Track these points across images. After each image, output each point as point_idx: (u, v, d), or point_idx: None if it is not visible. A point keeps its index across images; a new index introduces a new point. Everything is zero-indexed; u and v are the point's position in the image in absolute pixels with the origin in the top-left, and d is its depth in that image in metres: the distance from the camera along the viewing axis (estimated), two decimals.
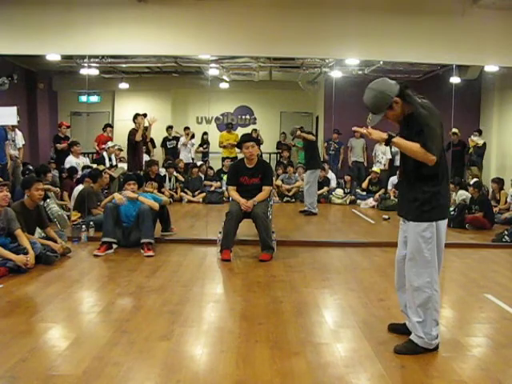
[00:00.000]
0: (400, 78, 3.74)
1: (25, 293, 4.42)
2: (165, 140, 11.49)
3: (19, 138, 8.36)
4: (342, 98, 7.91)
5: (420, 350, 3.20)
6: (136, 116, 8.47)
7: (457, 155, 9.69)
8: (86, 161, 9.47)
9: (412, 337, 3.25)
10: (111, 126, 10.48)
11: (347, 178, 10.88)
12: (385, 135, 3.12)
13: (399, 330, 3.51)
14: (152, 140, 10.74)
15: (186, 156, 11.51)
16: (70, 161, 9.01)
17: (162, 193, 9.34)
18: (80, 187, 7.54)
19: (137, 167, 8.37)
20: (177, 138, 11.58)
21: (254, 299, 4.30)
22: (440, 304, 3.37)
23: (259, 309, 4.05)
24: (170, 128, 11.49)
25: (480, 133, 9.86)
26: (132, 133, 8.40)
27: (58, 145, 9.55)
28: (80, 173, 8.68)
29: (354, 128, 3.37)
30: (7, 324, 3.59)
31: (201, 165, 11.38)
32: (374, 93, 3.15)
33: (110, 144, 9.99)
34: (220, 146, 11.55)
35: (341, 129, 10.48)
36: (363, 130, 3.22)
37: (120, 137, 10.64)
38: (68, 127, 9.91)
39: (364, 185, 10.76)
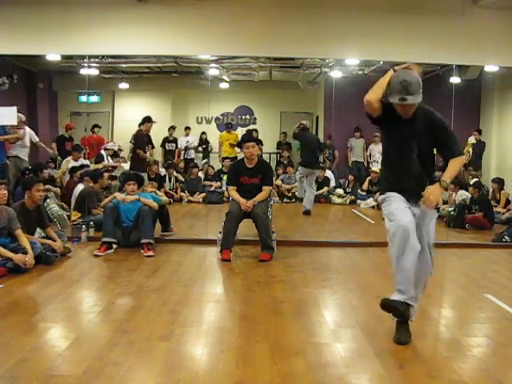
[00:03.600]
0: None
1: (25, 293, 4.42)
2: (164, 141, 11.47)
3: (27, 138, 8.39)
4: (341, 98, 7.90)
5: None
6: (149, 120, 8.45)
7: None
8: (85, 162, 9.48)
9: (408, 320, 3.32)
10: (99, 126, 10.37)
11: (351, 177, 10.87)
12: (441, 189, 3.15)
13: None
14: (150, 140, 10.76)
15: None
16: (71, 163, 9.02)
17: (160, 190, 9.33)
18: (80, 187, 7.54)
19: (144, 168, 8.35)
20: (176, 141, 11.57)
21: (254, 299, 4.30)
22: None
23: (259, 309, 4.05)
24: (171, 128, 11.48)
25: (480, 132, 9.85)
26: (139, 134, 8.41)
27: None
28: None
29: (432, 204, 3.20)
30: (7, 324, 3.59)
31: (204, 163, 11.40)
32: (417, 76, 3.17)
33: (110, 145, 10.00)
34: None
35: (341, 128, 10.47)
36: (433, 203, 3.15)
37: (120, 137, 10.66)
38: (73, 129, 9.94)
39: (364, 186, 10.75)
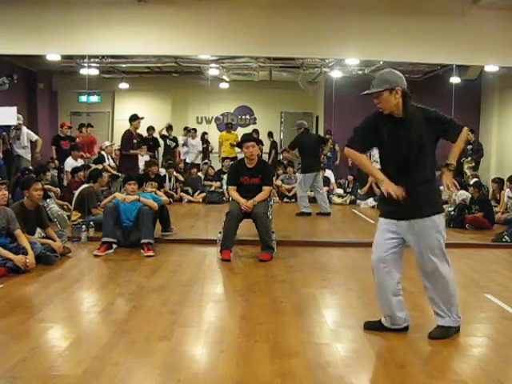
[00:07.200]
0: None
1: (25, 293, 4.42)
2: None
3: (25, 136, 8.41)
4: (341, 98, 7.92)
5: (452, 332, 3.45)
6: (135, 118, 8.38)
7: None
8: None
9: (444, 323, 3.42)
10: (91, 126, 10.25)
11: (350, 177, 10.86)
12: (450, 173, 3.43)
13: (375, 327, 3.58)
14: (156, 139, 10.77)
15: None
16: (71, 164, 9.04)
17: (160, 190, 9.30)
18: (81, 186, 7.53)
19: (134, 169, 8.25)
20: (176, 139, 11.56)
21: (253, 299, 4.30)
22: None
23: (259, 309, 4.05)
24: (169, 128, 11.47)
25: (472, 132, 9.84)
26: (126, 134, 8.34)
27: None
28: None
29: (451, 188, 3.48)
30: (7, 324, 3.59)
31: (204, 163, 11.40)
32: (389, 71, 3.49)
33: (107, 143, 10.01)
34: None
35: (341, 128, 10.44)
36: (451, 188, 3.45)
37: (120, 137, 10.64)
38: (70, 127, 9.93)
39: (364, 190, 10.68)
